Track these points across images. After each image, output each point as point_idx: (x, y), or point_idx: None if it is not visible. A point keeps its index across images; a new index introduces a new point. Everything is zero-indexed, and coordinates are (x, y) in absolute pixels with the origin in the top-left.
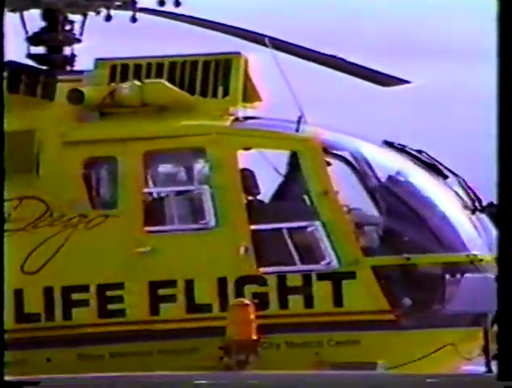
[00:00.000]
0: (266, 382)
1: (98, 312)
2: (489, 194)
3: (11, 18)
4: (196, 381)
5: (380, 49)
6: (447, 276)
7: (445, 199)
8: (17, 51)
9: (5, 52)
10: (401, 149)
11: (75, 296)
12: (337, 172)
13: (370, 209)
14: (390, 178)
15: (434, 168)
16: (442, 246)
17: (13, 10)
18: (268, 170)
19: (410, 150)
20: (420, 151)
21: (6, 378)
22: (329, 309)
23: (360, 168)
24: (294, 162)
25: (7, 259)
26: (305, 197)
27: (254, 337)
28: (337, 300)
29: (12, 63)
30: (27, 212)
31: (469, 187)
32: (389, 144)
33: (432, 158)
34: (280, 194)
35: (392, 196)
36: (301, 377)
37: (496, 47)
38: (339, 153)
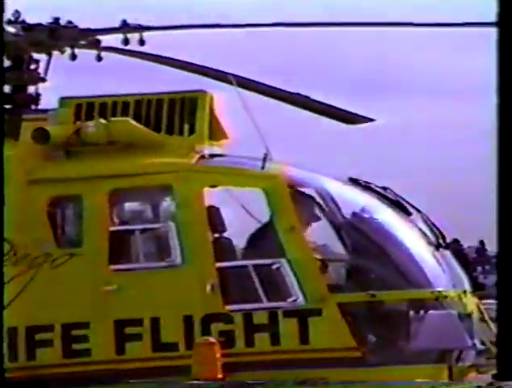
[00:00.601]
0: None
1: (63, 352)
2: (457, 229)
3: None
4: None
5: (345, 86)
6: (412, 313)
7: (410, 235)
8: None
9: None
10: (366, 187)
11: (40, 336)
12: (303, 209)
13: (336, 246)
14: (355, 214)
15: (398, 205)
16: (408, 283)
17: None
18: (234, 207)
19: (375, 187)
20: (385, 188)
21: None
22: (295, 347)
23: (326, 205)
24: (260, 199)
25: None
26: (272, 234)
27: (220, 376)
28: (304, 337)
29: None
30: None
31: (433, 224)
32: (354, 181)
33: (397, 194)
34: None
35: (357, 232)
36: None
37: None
38: (305, 189)
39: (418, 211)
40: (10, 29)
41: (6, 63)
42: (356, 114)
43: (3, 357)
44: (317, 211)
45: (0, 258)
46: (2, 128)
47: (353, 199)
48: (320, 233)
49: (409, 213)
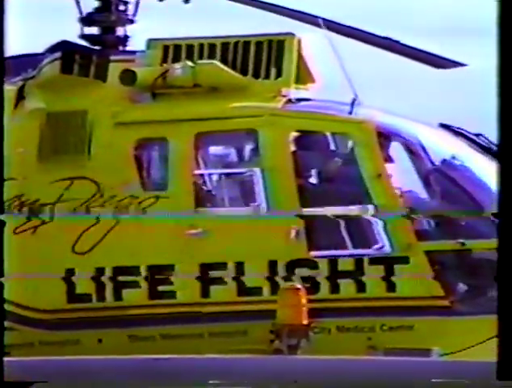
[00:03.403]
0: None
1: (149, 294)
2: None
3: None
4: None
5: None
6: None
7: None
8: (70, 32)
9: (4, 52)
10: (458, 133)
11: (125, 277)
12: (391, 155)
13: (424, 194)
14: (445, 162)
15: (491, 152)
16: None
17: None
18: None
19: (467, 133)
20: (478, 135)
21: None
22: (381, 294)
23: (415, 151)
24: (347, 145)
25: (59, 240)
26: (358, 181)
27: (305, 321)
28: (390, 285)
29: (65, 44)
30: (78, 193)
31: None
32: (446, 127)
33: (490, 141)
34: (333, 177)
35: (447, 180)
36: (353, 362)
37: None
38: (393, 136)
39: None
40: None
41: (95, 4)
42: (447, 58)
43: (3, 358)
44: (406, 157)
45: (0, 258)
46: (1, 128)
47: (443, 146)
48: (409, 179)
49: None
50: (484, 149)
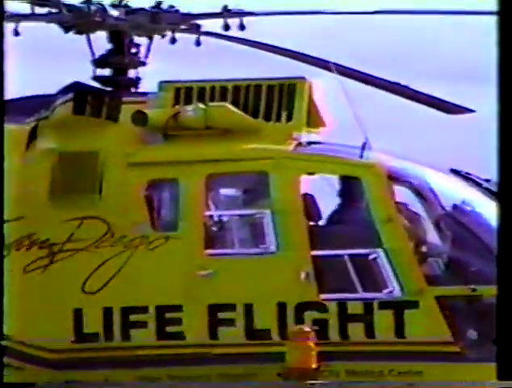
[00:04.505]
0: None
1: (157, 334)
2: None
3: (77, 41)
4: None
5: (445, 76)
6: None
7: None
8: (83, 73)
9: (5, 52)
10: (468, 178)
11: (134, 317)
12: (402, 199)
13: (435, 238)
14: (456, 207)
15: None
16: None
17: (79, 32)
18: (331, 196)
19: (477, 179)
20: (487, 180)
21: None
22: (390, 339)
23: (425, 196)
24: (357, 189)
25: (69, 279)
26: (368, 224)
27: (314, 365)
28: (399, 329)
29: (78, 85)
30: (88, 233)
31: None
32: (456, 172)
33: None
34: (342, 220)
35: (457, 225)
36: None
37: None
38: (404, 180)
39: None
40: (114, 12)
41: (108, 46)
42: (456, 104)
43: (3, 358)
44: (416, 202)
45: (0, 258)
46: (1, 130)
47: (454, 191)
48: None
49: None
50: (494, 194)
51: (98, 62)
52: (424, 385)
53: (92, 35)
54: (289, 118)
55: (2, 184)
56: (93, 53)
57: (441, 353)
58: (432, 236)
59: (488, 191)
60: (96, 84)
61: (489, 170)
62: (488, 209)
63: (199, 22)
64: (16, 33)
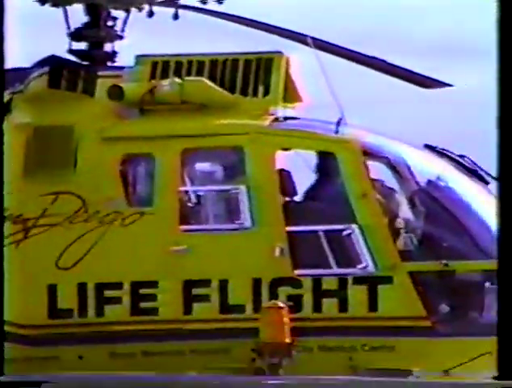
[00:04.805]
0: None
1: (131, 310)
2: None
3: (53, 13)
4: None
5: (423, 50)
6: (486, 284)
7: (486, 205)
8: (58, 46)
9: (5, 52)
10: (443, 154)
11: (108, 293)
12: (377, 175)
13: (409, 214)
14: (430, 182)
15: (475, 173)
16: (482, 253)
17: (55, 5)
18: (306, 171)
19: (452, 155)
20: (462, 156)
21: (6, 379)
22: (364, 314)
23: (400, 172)
24: (332, 165)
25: (43, 254)
26: (343, 200)
27: (288, 340)
28: (373, 305)
29: (53, 58)
30: (62, 208)
31: None
32: (430, 148)
33: (474, 163)
34: (317, 196)
35: (431, 200)
36: (334, 380)
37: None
38: (379, 156)
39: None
40: None
41: (84, 19)
42: (433, 78)
43: (3, 357)
44: (391, 178)
45: (0, 257)
46: (1, 129)
47: (428, 166)
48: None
49: (486, 182)
50: (468, 171)
51: (75, 35)
52: (424, 384)
53: (68, 8)
54: (266, 93)
55: (2, 184)
56: (69, 26)
57: (413, 328)
58: (406, 211)
59: (462, 167)
60: (72, 57)
61: (466, 146)
62: (462, 185)
63: None
64: None
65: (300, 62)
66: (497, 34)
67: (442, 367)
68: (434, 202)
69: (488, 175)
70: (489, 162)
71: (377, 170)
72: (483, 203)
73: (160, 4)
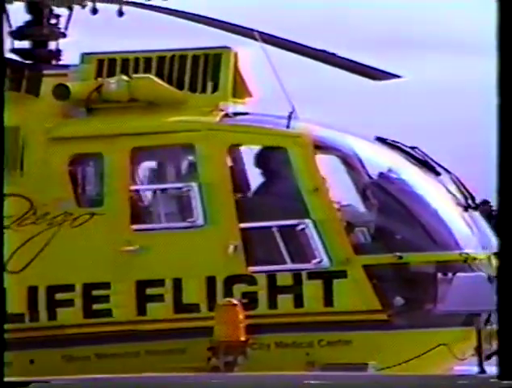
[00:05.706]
0: (258, 383)
1: (84, 312)
2: (486, 190)
3: None
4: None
5: (371, 43)
6: (440, 275)
7: (438, 196)
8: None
9: (4, 52)
10: (394, 146)
11: (60, 295)
12: (329, 169)
13: (361, 207)
14: (382, 175)
15: (426, 165)
16: (435, 245)
17: None
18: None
19: (403, 147)
20: (413, 147)
21: (6, 379)
22: (319, 309)
23: (352, 165)
24: (284, 159)
25: None
26: (296, 195)
27: (243, 338)
28: (328, 299)
29: None
30: (11, 210)
31: (462, 185)
32: (381, 140)
33: (425, 154)
34: (270, 192)
35: (383, 193)
36: (292, 377)
37: (496, 40)
38: (330, 149)
39: (447, 171)
40: None
41: (27, 17)
42: (382, 71)
43: (3, 357)
44: (343, 171)
45: (0, 257)
46: (1, 127)
47: (380, 159)
48: (346, 193)
49: (437, 174)
50: (420, 162)
51: (17, 34)
52: (424, 384)
53: (9, 6)
54: (215, 89)
55: (2, 184)
56: (10, 25)
57: (369, 321)
58: (359, 204)
59: (413, 159)
60: (15, 57)
61: (416, 137)
62: (413, 177)
63: None
64: None
65: (249, 57)
66: (496, 34)
67: (398, 359)
68: (386, 194)
69: (440, 166)
70: (440, 154)
71: (329, 163)
72: (435, 194)
73: (104, 1)
